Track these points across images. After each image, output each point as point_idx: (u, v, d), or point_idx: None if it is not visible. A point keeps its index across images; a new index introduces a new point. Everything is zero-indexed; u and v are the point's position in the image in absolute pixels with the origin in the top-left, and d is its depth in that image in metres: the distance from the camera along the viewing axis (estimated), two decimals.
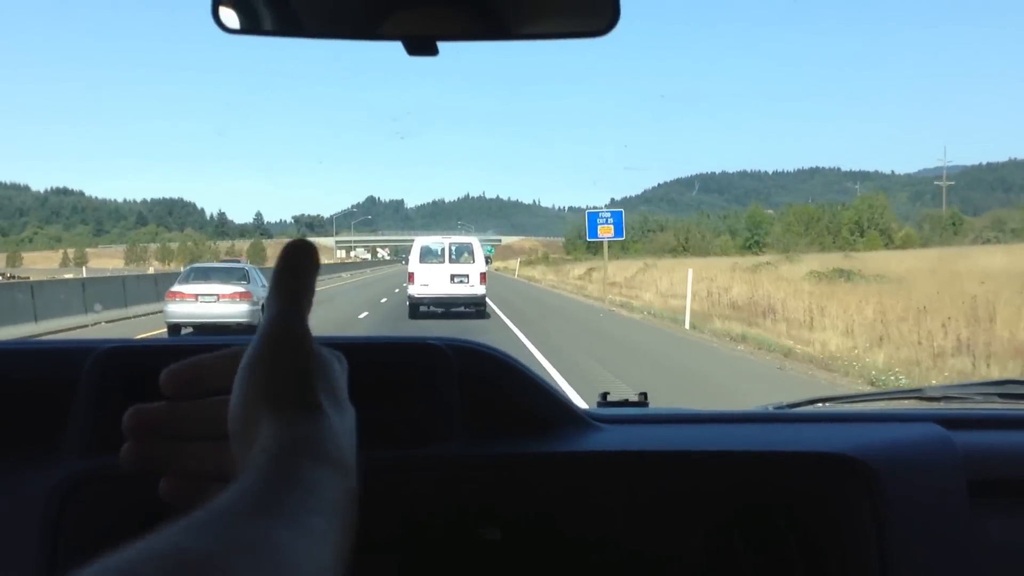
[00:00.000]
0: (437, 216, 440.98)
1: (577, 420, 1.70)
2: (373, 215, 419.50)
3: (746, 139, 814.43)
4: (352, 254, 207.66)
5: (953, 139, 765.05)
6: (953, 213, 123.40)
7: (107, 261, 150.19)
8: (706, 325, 25.89)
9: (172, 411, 0.84)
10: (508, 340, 19.57)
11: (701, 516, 1.59)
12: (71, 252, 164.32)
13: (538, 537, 1.59)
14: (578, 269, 79.70)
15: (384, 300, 35.27)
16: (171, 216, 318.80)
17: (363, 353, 1.59)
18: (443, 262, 27.74)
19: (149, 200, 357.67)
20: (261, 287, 23.12)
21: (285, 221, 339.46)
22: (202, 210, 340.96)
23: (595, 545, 1.58)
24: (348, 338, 1.67)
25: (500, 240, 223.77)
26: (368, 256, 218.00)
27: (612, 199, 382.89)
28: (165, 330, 21.85)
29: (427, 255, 28.02)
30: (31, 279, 38.37)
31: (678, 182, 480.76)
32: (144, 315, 28.63)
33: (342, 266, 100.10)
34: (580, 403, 1.98)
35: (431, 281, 27.42)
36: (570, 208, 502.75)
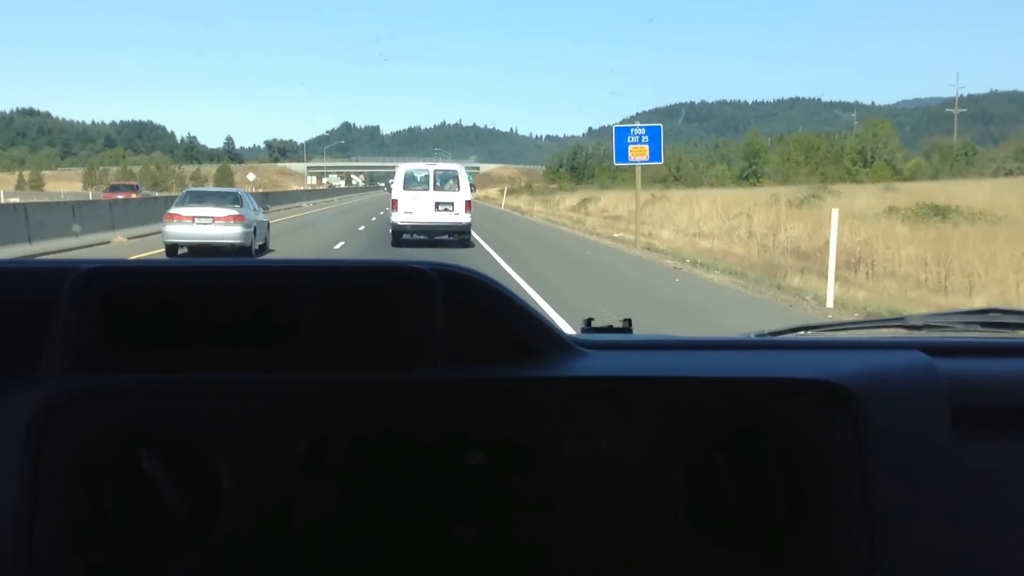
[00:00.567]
0: (413, 143, 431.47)
1: (562, 345, 1.70)
2: (348, 141, 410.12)
3: (726, 68, 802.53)
4: (324, 180, 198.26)
5: (933, 70, 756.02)
6: (965, 143, 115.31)
7: (66, 185, 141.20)
8: (851, 296, 17.71)
9: None
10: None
11: (685, 440, 1.59)
12: (26, 175, 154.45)
13: (522, 462, 1.58)
14: (569, 199, 71.62)
15: (340, 245, 28.53)
16: (140, 139, 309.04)
17: (347, 276, 1.62)
18: (427, 189, 27.14)
19: (118, 123, 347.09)
20: (253, 211, 24.70)
21: (258, 146, 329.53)
22: (172, 134, 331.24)
23: (579, 468, 1.57)
24: (332, 262, 1.68)
25: (479, 168, 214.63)
26: (342, 183, 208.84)
27: (590, 128, 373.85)
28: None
29: (411, 182, 27.50)
30: None
31: (657, 111, 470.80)
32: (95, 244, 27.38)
33: (307, 194, 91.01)
34: (566, 329, 2.00)
35: (415, 209, 26.87)
36: (547, 136, 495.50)
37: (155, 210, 32.32)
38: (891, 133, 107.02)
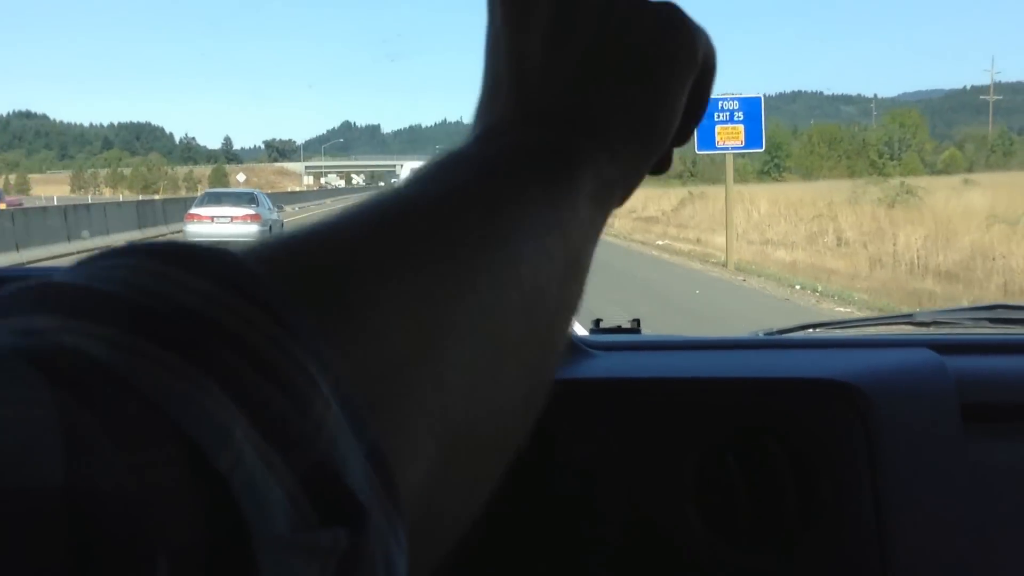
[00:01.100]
0: (415, 142, 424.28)
1: (570, 347, 1.65)
2: (349, 140, 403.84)
3: (725, 61, 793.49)
4: (323, 180, 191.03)
5: (933, 63, 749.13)
6: (1002, 132, 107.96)
7: (53, 188, 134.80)
8: None
9: None
10: None
11: (694, 440, 1.57)
12: (12, 178, 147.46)
13: (531, 463, 1.53)
14: None
15: None
16: (139, 141, 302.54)
17: None
18: None
19: (116, 124, 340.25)
20: (268, 210, 26.77)
21: (258, 147, 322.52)
22: (171, 135, 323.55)
23: (587, 470, 1.56)
24: None
25: None
26: (341, 183, 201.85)
27: None
28: None
29: None
30: None
31: None
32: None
33: (301, 195, 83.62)
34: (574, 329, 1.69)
35: None
36: None
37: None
38: (918, 123, 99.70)
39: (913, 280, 18.32)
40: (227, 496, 0.31)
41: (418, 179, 0.53)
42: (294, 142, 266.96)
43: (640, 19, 0.62)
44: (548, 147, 0.55)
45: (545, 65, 0.60)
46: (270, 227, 24.92)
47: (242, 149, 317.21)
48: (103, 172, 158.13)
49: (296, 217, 56.21)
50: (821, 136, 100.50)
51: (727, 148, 19.56)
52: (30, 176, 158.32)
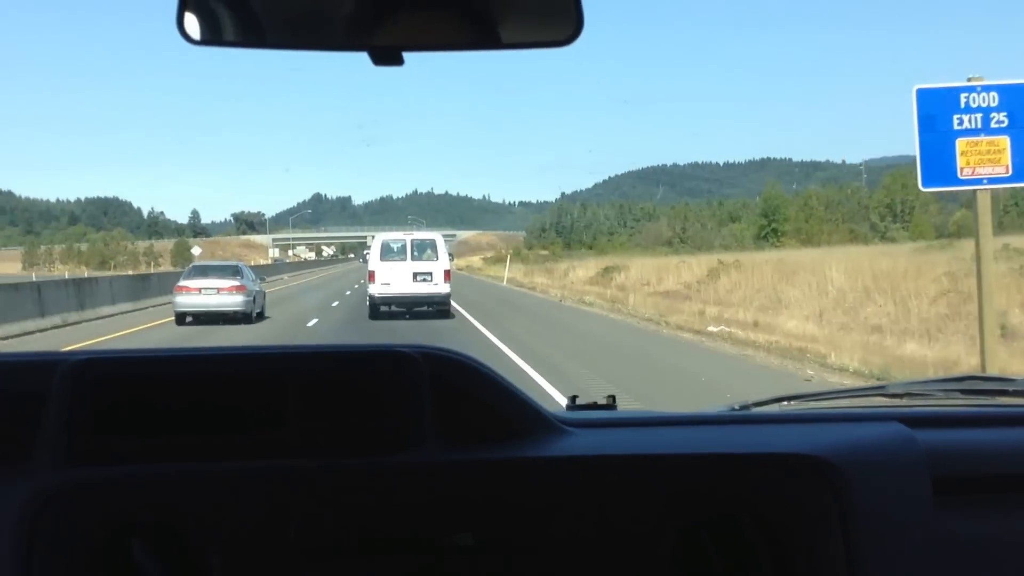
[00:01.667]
0: (385, 213, 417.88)
1: (547, 425, 1.70)
2: (320, 212, 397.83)
3: (697, 131, 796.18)
4: (291, 253, 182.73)
5: (902, 128, 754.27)
6: (1015, 191, 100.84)
7: (4, 266, 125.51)
8: None
9: None
10: None
11: (671, 517, 1.59)
12: None
13: (510, 542, 1.58)
14: (580, 269, 56.49)
15: None
16: (106, 216, 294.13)
17: (333, 361, 1.64)
18: (405, 259, 26.11)
19: (83, 199, 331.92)
20: (252, 281, 27.08)
21: (228, 220, 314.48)
22: (139, 209, 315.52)
23: (568, 548, 1.57)
24: (318, 347, 1.71)
25: (456, 235, 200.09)
26: (311, 255, 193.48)
27: (563, 193, 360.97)
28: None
29: (388, 252, 26.31)
30: None
31: (630, 174, 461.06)
32: None
33: (264, 269, 75.34)
34: (552, 405, 2.06)
35: (393, 280, 25.84)
36: (520, 203, 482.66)
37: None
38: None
39: None
40: None
41: None
42: (263, 214, 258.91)
43: None
44: None
45: None
46: (254, 297, 26.40)
47: (212, 223, 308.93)
48: (58, 248, 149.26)
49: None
50: (819, 199, 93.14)
51: (975, 182, 10.55)
52: None
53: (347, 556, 1.54)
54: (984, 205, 10.78)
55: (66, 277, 45.53)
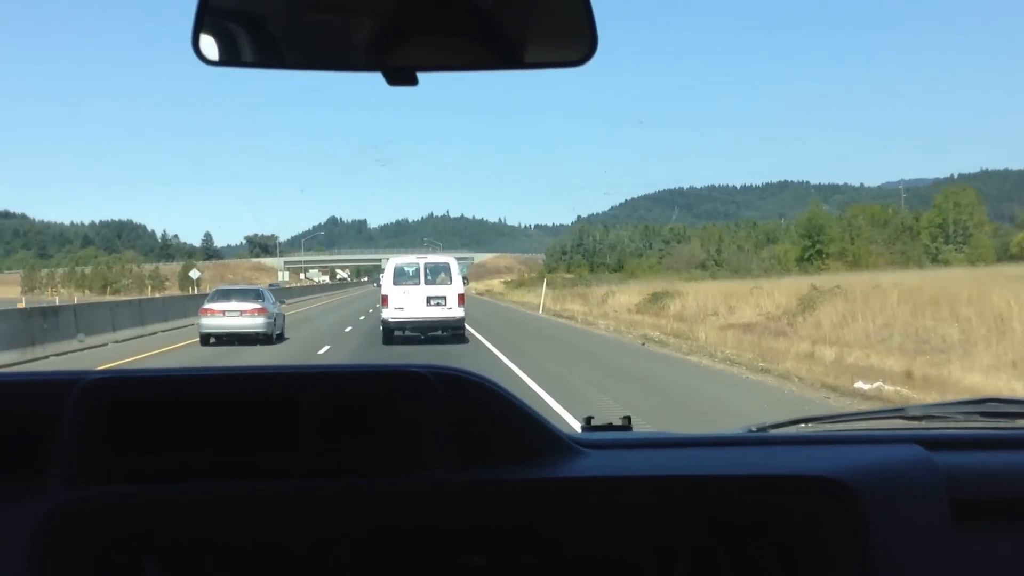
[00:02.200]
0: (401, 236, 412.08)
1: (561, 446, 1.69)
2: (335, 235, 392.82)
3: (713, 154, 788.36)
4: (304, 276, 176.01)
5: (919, 151, 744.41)
6: None
7: (3, 290, 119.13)
8: None
9: None
10: None
11: (685, 539, 1.58)
12: None
13: (524, 563, 1.57)
14: (621, 296, 49.28)
15: None
16: (119, 239, 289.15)
17: (347, 381, 1.63)
18: (418, 283, 25.72)
19: (97, 223, 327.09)
20: (272, 304, 28.02)
21: (242, 244, 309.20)
22: (152, 232, 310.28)
23: (582, 569, 1.56)
24: (333, 367, 1.69)
25: (472, 258, 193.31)
26: (325, 278, 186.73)
27: (579, 216, 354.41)
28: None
29: (401, 276, 26.12)
30: None
31: (647, 198, 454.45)
32: None
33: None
34: (568, 427, 2.04)
35: (406, 304, 25.44)
36: (536, 226, 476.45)
37: None
38: (975, 202, 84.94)
39: None
40: None
41: None
42: (276, 237, 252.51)
43: None
44: None
45: None
46: (274, 319, 27.72)
47: (228, 246, 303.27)
48: (60, 271, 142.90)
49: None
50: (867, 219, 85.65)
51: None
52: None
53: (360, 575, 1.51)
54: None
55: (56, 303, 42.97)
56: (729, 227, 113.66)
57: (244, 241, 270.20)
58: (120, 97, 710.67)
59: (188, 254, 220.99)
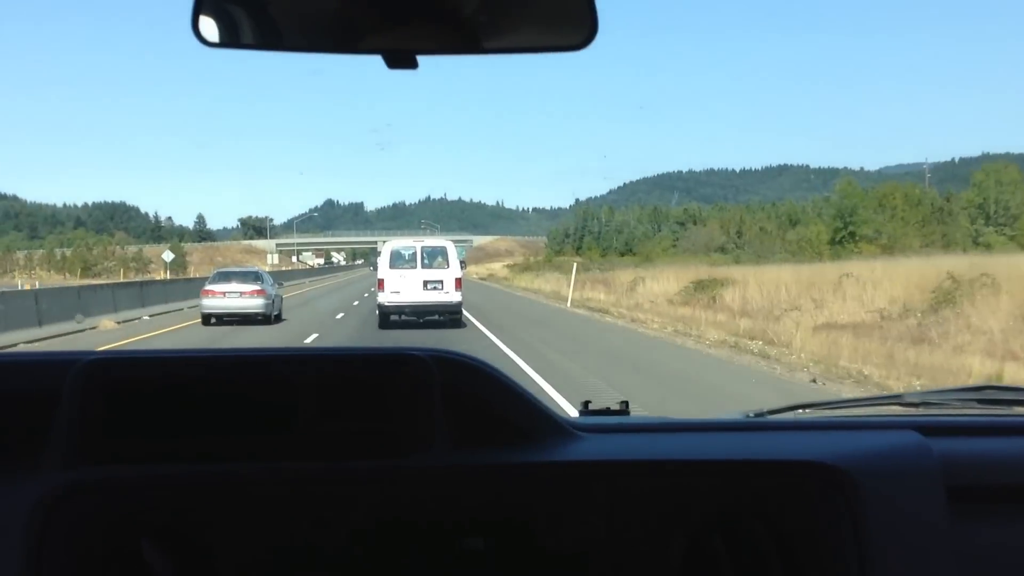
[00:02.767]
0: (398, 219, 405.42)
1: (559, 430, 1.67)
2: (332, 218, 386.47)
3: (713, 138, 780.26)
4: (296, 259, 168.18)
5: (920, 135, 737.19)
6: None
7: None
8: None
9: None
10: None
11: (681, 523, 1.57)
12: None
13: (520, 546, 1.58)
14: (655, 283, 41.93)
15: None
16: (112, 221, 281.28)
17: (345, 364, 1.62)
18: (415, 267, 25.29)
19: (90, 204, 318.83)
20: (271, 286, 29.01)
21: (236, 226, 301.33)
22: (146, 214, 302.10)
23: (577, 553, 1.56)
24: (330, 350, 1.69)
25: (472, 241, 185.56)
26: (319, 262, 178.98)
27: (577, 199, 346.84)
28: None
29: (397, 260, 25.60)
30: None
31: (645, 181, 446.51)
32: None
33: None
34: (564, 412, 1.94)
35: (402, 288, 24.95)
36: (534, 209, 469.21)
37: None
38: (1017, 180, 77.26)
39: None
40: None
41: None
42: (270, 219, 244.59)
43: None
44: None
45: None
46: (272, 301, 28.57)
47: (224, 228, 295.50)
48: (39, 254, 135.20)
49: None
50: (903, 199, 77.86)
51: None
52: None
53: (355, 558, 1.52)
54: None
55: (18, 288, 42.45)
56: (750, 208, 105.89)
57: (237, 223, 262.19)
58: (118, 79, 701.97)
59: (180, 236, 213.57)
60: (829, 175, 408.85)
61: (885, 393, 3.16)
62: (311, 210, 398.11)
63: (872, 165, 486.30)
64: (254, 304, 27.47)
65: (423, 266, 25.35)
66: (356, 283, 66.69)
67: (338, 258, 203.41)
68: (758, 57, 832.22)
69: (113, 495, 1.47)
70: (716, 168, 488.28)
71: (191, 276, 77.18)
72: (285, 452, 1.52)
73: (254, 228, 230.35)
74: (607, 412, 2.09)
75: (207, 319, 27.81)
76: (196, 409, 1.52)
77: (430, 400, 1.54)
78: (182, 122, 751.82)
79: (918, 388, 11.70)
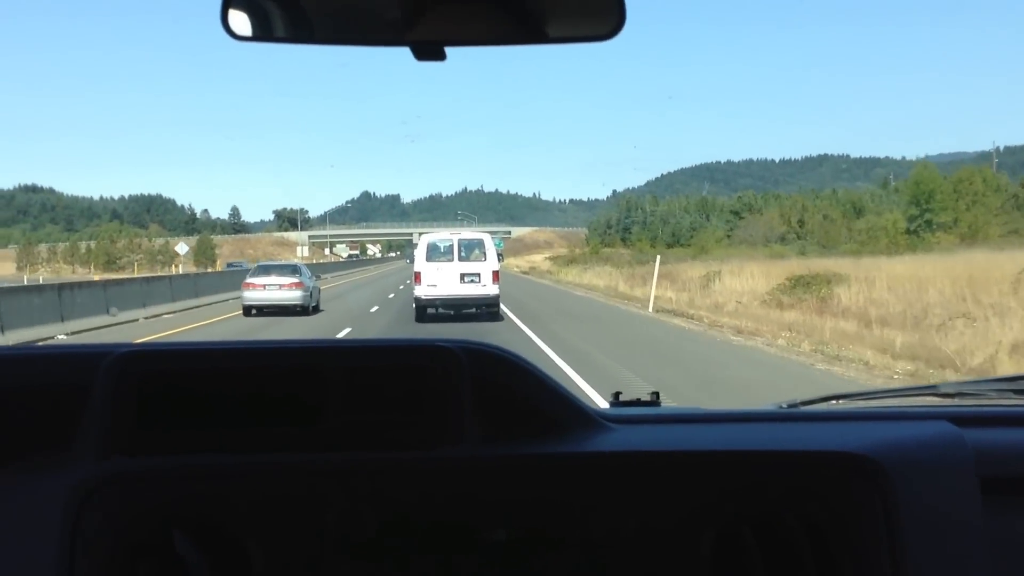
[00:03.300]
0: (435, 210, 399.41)
1: (589, 421, 1.67)
2: (369, 210, 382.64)
3: (751, 128, 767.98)
4: (330, 251, 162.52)
5: (962, 123, 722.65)
6: None
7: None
8: None
9: None
10: None
11: (712, 515, 1.56)
12: None
13: (548, 539, 1.56)
14: (735, 279, 35.34)
15: None
16: (148, 213, 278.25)
17: (375, 356, 1.62)
18: (452, 260, 24.85)
19: (127, 197, 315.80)
20: (309, 279, 29.95)
21: (268, 220, 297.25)
22: (183, 207, 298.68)
23: (606, 545, 1.55)
24: (359, 342, 1.69)
25: (510, 232, 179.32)
26: (355, 253, 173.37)
27: (614, 191, 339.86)
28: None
29: (434, 253, 25.04)
30: None
31: (683, 172, 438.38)
32: None
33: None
34: (593, 403, 1.96)
35: (439, 281, 24.53)
36: (571, 200, 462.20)
37: None
38: None
39: None
40: None
41: None
42: (305, 211, 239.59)
43: None
44: None
45: None
46: (310, 292, 29.39)
47: (260, 221, 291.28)
48: (61, 246, 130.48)
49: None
50: (989, 183, 70.36)
51: None
52: None
53: (384, 550, 1.51)
54: None
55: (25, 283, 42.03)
56: (813, 195, 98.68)
57: (272, 216, 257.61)
58: (153, 73, 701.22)
59: (213, 228, 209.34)
60: (870, 164, 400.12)
61: (919, 384, 2.87)
62: (348, 202, 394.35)
63: (913, 154, 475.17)
64: (292, 296, 28.39)
65: (460, 259, 24.94)
66: (382, 279, 60.83)
67: (374, 250, 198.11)
68: (797, 45, 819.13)
69: (145, 486, 1.48)
70: (755, 158, 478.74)
71: (209, 271, 71.63)
72: (315, 444, 1.51)
73: (289, 220, 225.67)
74: (637, 403, 2.09)
75: (248, 310, 28.73)
76: (226, 400, 1.52)
77: (460, 392, 1.53)
78: (218, 115, 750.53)
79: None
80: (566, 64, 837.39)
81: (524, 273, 74.91)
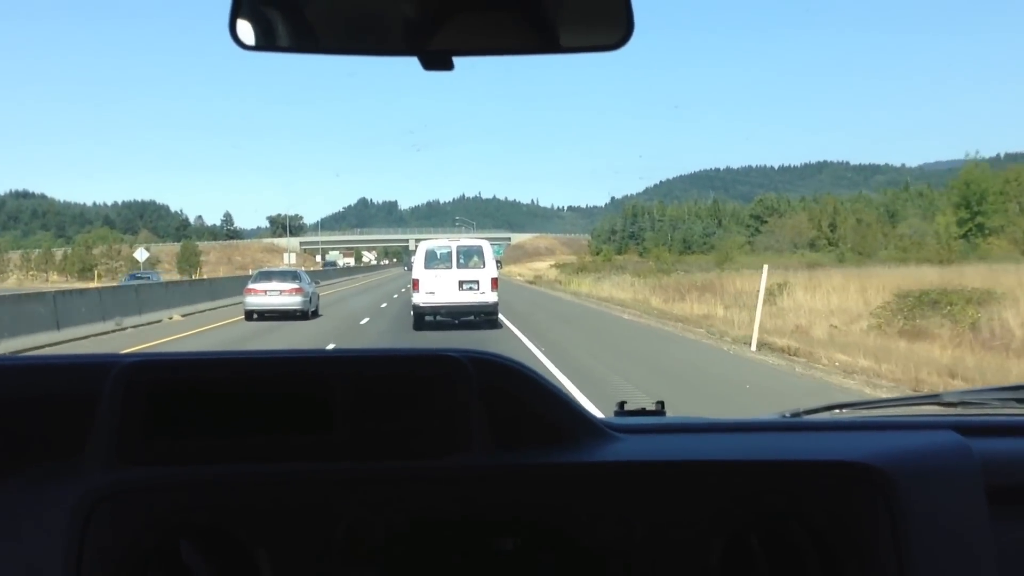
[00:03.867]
0: (432, 217, 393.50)
1: (594, 430, 1.67)
2: (366, 216, 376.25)
3: (750, 134, 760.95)
4: (321, 259, 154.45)
5: (961, 131, 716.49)
6: None
7: None
8: None
9: None
10: None
11: (718, 524, 1.55)
12: None
13: (555, 548, 1.55)
14: (809, 294, 27.70)
15: None
16: (141, 220, 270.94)
17: (382, 365, 1.62)
18: (450, 267, 24.71)
19: (120, 203, 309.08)
20: (308, 284, 30.89)
21: (263, 227, 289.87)
22: (176, 213, 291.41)
23: (612, 555, 1.54)
24: (367, 351, 1.69)
25: (510, 239, 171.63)
26: (349, 261, 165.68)
27: (612, 198, 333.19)
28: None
29: (432, 260, 24.94)
30: None
31: (682, 179, 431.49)
32: None
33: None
34: (598, 413, 1.97)
35: (437, 288, 24.33)
36: (569, 207, 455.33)
37: None
38: None
39: None
40: None
41: None
42: (300, 217, 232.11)
43: None
44: None
45: None
46: (310, 298, 30.35)
47: (257, 228, 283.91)
48: (35, 253, 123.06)
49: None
50: None
51: None
52: None
53: (393, 559, 1.51)
54: None
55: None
56: (845, 199, 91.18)
57: (266, 222, 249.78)
58: (151, 78, 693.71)
59: (201, 235, 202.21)
60: (869, 171, 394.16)
61: (923, 393, 2.88)
62: (345, 209, 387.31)
63: (912, 161, 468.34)
64: (292, 301, 29.21)
65: (458, 266, 24.80)
66: (369, 291, 54.79)
67: (369, 257, 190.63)
68: (796, 53, 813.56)
69: (152, 496, 1.47)
70: (754, 165, 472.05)
71: (187, 279, 64.38)
72: (323, 453, 1.52)
73: (282, 226, 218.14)
74: (643, 412, 2.09)
75: (249, 315, 29.44)
76: (235, 410, 1.52)
77: (467, 401, 1.53)
78: (215, 122, 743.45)
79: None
80: (567, 73, 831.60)
81: (530, 283, 66.76)
